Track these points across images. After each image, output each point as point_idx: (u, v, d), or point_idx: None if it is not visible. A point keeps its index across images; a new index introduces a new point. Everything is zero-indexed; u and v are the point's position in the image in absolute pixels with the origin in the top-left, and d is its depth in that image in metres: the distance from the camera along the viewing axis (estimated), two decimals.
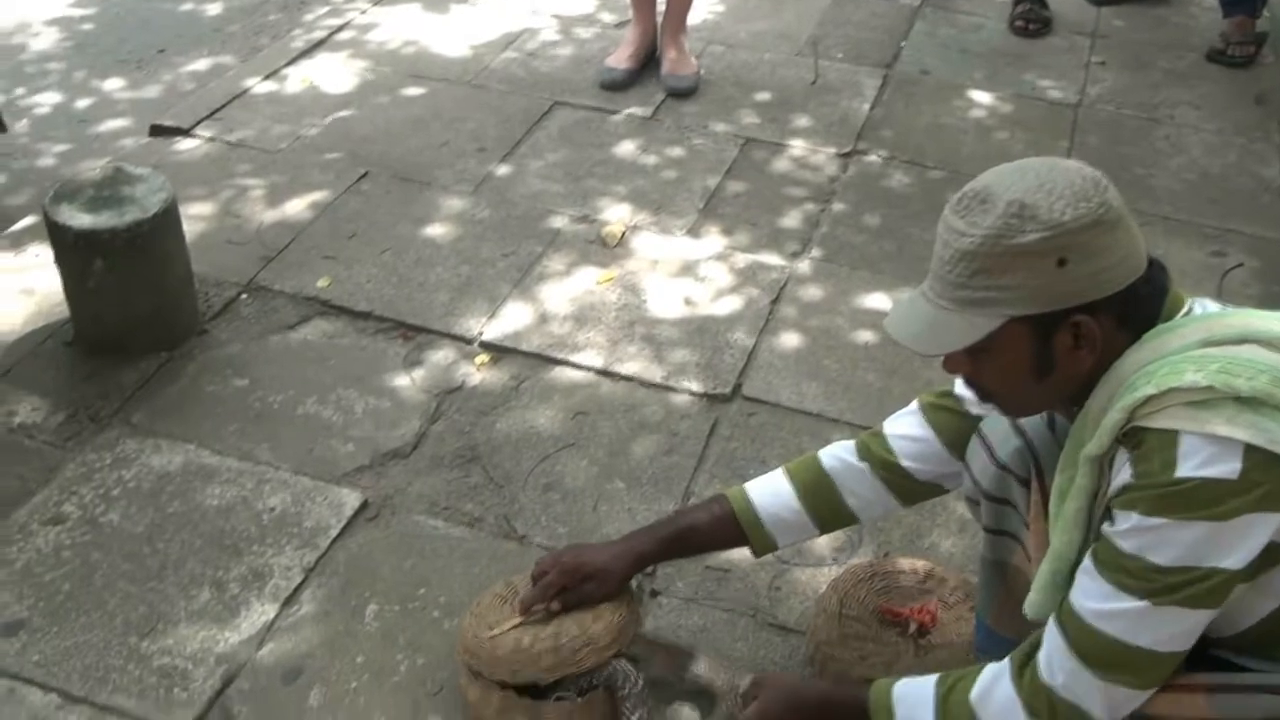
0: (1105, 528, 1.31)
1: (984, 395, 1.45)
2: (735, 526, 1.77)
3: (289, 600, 2.05)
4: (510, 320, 2.69)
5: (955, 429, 1.66)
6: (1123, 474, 1.29)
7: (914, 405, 1.73)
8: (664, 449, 2.38)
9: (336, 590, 2.07)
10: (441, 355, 2.60)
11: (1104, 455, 1.32)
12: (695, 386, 2.52)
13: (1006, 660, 1.42)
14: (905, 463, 1.70)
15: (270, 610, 2.03)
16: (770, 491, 1.78)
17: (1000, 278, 1.29)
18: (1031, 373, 1.36)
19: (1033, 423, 1.53)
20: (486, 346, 2.62)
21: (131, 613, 2.01)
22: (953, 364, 1.42)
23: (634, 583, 1.88)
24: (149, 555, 2.11)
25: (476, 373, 2.56)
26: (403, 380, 2.53)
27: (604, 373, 2.56)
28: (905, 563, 2.00)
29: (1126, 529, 1.28)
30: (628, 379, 2.55)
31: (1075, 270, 1.28)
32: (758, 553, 1.79)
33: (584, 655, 1.74)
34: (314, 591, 2.07)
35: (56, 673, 1.91)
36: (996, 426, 1.57)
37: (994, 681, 1.41)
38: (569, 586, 1.77)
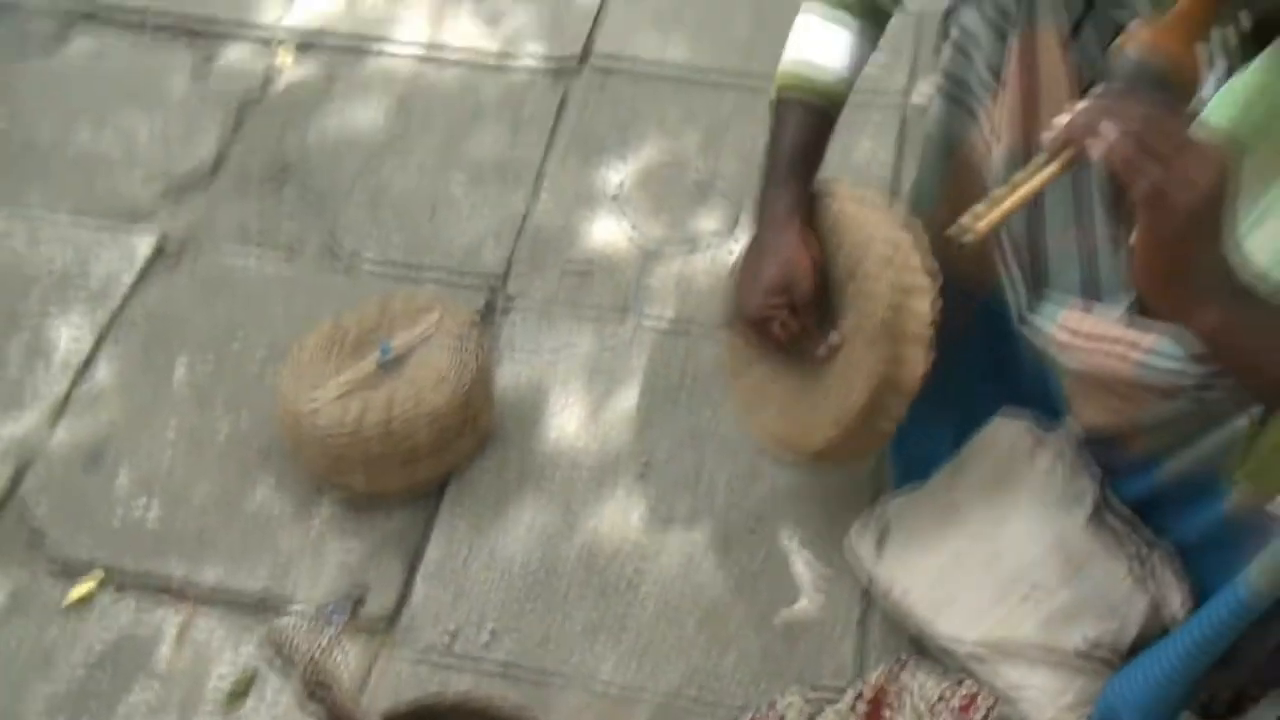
0: None
1: None
2: (829, 116, 1.34)
3: (82, 370, 1.74)
4: (314, 2, 2.26)
5: None
6: None
7: None
8: (508, 136, 2.03)
9: (137, 350, 1.77)
10: (236, 56, 2.18)
11: None
12: (539, 52, 2.14)
13: None
14: None
15: (60, 385, 1.72)
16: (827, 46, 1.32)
17: None
18: None
19: None
20: (289, 39, 2.20)
21: None
22: None
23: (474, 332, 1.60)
24: None
25: (280, 73, 2.15)
26: (193, 92, 2.12)
27: (430, 54, 2.16)
28: None
29: None
30: (457, 61, 2.15)
31: None
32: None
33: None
34: (110, 356, 1.76)
35: None
36: None
37: None
38: (790, 303, 1.32)
